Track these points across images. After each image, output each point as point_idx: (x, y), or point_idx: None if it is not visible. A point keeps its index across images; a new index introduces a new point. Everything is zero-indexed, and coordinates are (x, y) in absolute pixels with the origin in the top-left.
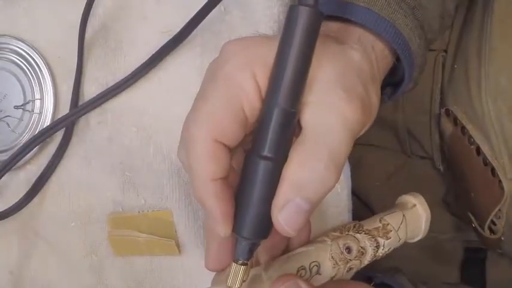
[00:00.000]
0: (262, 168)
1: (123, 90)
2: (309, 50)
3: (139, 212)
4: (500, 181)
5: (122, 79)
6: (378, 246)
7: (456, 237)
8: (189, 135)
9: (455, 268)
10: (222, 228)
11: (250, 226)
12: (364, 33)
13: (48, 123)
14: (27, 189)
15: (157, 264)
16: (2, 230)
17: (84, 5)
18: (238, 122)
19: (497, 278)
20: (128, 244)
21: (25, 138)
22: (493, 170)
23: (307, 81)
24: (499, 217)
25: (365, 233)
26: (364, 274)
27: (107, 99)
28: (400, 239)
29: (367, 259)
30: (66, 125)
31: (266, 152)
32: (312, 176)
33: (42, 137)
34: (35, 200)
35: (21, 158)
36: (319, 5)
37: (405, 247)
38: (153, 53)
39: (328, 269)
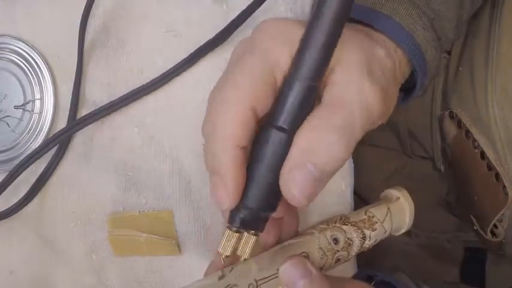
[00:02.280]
0: (275, 138)
1: (130, 103)
2: (338, 27)
3: (139, 211)
4: (504, 186)
5: (132, 91)
6: (364, 238)
7: (456, 237)
8: (225, 97)
9: (455, 268)
10: (229, 199)
11: (256, 195)
12: (386, 39)
13: (49, 123)
14: (27, 189)
15: (157, 264)
16: (2, 230)
17: (84, 4)
18: (272, 94)
19: (497, 278)
20: (128, 244)
21: (25, 138)
22: (497, 174)
23: (332, 63)
24: (502, 221)
25: (351, 225)
26: (364, 273)
27: (106, 115)
28: (385, 231)
29: (354, 250)
30: (61, 140)
31: (281, 123)
32: (323, 144)
33: (38, 154)
34: (35, 200)
35: (18, 175)
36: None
37: (405, 246)
38: (168, 68)
39: (317, 260)
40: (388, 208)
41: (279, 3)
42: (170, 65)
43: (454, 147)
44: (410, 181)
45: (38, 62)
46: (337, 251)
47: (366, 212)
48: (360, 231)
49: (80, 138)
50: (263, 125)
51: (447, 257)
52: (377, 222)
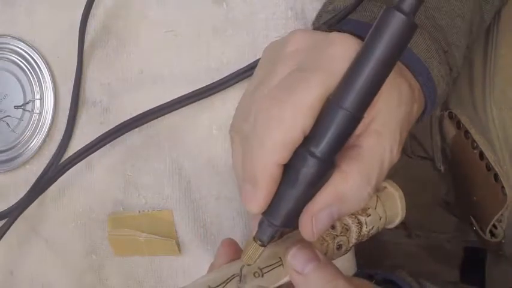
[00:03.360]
0: (310, 166)
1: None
2: (393, 59)
3: (139, 211)
4: (503, 187)
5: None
6: (360, 223)
7: (456, 237)
8: (281, 117)
9: (455, 268)
10: (258, 208)
11: (282, 215)
12: (404, 68)
13: (49, 123)
14: (27, 189)
15: (157, 264)
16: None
17: (84, 4)
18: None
19: (497, 278)
20: (128, 244)
21: (25, 138)
22: (496, 175)
23: (376, 109)
24: (501, 221)
25: None
26: (364, 273)
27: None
28: (380, 217)
29: (353, 236)
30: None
31: (318, 152)
32: (356, 194)
33: (38, 190)
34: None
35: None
36: (414, 16)
37: (405, 246)
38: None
39: (317, 246)
40: (377, 196)
41: (279, 3)
42: (170, 64)
43: (454, 148)
44: (410, 181)
45: (38, 62)
46: (336, 235)
47: None
48: (354, 217)
49: (79, 139)
50: (300, 147)
51: (447, 257)
52: (369, 209)
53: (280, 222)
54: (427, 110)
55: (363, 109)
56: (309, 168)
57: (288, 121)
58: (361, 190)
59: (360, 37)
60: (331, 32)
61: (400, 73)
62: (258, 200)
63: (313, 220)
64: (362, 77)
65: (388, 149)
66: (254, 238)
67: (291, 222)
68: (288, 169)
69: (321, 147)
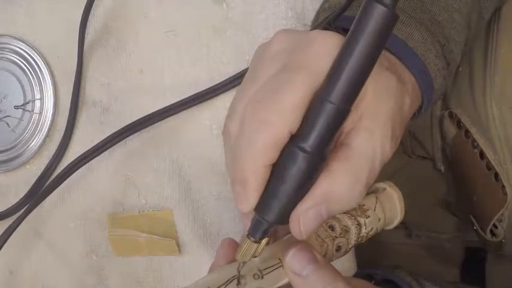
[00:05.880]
0: (300, 161)
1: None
2: (376, 51)
3: (139, 211)
4: (503, 186)
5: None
6: (359, 225)
7: (456, 237)
8: (267, 119)
9: (455, 268)
10: (249, 208)
11: (274, 211)
12: (397, 62)
13: (49, 123)
14: (27, 189)
15: (157, 264)
16: (2, 230)
17: (84, 4)
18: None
19: (497, 278)
20: (128, 244)
21: (25, 138)
22: (496, 174)
23: (364, 106)
24: (501, 221)
25: (344, 213)
26: (364, 273)
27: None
28: (380, 218)
29: (352, 238)
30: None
31: (308, 146)
32: (346, 194)
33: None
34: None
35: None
36: (395, 8)
37: (406, 247)
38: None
39: (317, 248)
40: (376, 197)
41: (279, 3)
42: (170, 64)
43: (454, 147)
44: (411, 181)
45: (38, 62)
46: (336, 237)
47: None
48: (353, 218)
49: (79, 139)
50: (290, 141)
51: (447, 257)
52: (368, 210)
53: (272, 217)
54: (424, 103)
55: (350, 102)
56: (298, 163)
57: (274, 123)
58: (350, 189)
59: None
60: (325, 30)
61: (387, 67)
62: (248, 200)
63: (300, 219)
64: (346, 69)
65: (379, 145)
66: (248, 235)
67: (283, 217)
68: (278, 166)
69: (309, 142)
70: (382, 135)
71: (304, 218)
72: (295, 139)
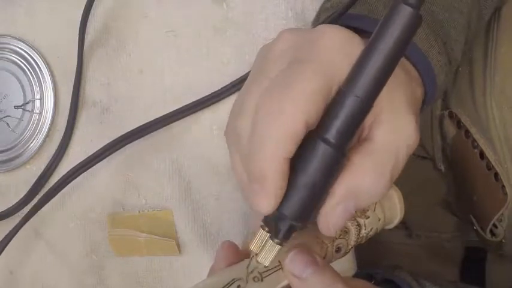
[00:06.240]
0: (322, 151)
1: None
2: (401, 49)
3: (139, 211)
4: (503, 186)
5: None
6: (359, 225)
7: (456, 236)
8: (280, 109)
9: (455, 268)
10: (270, 207)
11: (299, 208)
12: (403, 57)
13: (49, 123)
14: (27, 189)
15: (157, 264)
16: (2, 230)
17: (84, 4)
18: (325, 105)
19: (497, 278)
20: (128, 244)
21: (25, 138)
22: (496, 174)
23: (381, 99)
24: (501, 220)
25: None
26: (364, 273)
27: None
28: (379, 219)
29: (352, 239)
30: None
31: (330, 137)
32: (372, 188)
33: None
34: (35, 200)
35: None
36: (420, 9)
37: (405, 246)
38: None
39: (316, 249)
40: None
41: (279, 3)
42: (170, 64)
43: (454, 147)
44: (411, 181)
45: (38, 62)
46: (335, 238)
47: None
48: (353, 219)
49: (79, 139)
50: (311, 135)
51: (447, 257)
52: (368, 210)
53: (297, 215)
54: (427, 98)
55: (373, 97)
56: (323, 155)
57: (289, 113)
58: (376, 183)
59: (362, 30)
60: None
61: None
62: (269, 199)
63: (329, 216)
64: (373, 66)
65: (402, 137)
66: (270, 237)
67: (309, 215)
68: (299, 160)
69: (333, 133)
70: (405, 125)
71: (333, 215)
72: (316, 132)
